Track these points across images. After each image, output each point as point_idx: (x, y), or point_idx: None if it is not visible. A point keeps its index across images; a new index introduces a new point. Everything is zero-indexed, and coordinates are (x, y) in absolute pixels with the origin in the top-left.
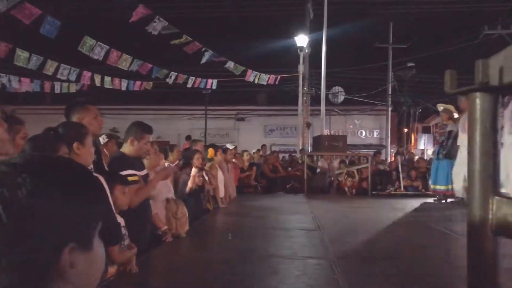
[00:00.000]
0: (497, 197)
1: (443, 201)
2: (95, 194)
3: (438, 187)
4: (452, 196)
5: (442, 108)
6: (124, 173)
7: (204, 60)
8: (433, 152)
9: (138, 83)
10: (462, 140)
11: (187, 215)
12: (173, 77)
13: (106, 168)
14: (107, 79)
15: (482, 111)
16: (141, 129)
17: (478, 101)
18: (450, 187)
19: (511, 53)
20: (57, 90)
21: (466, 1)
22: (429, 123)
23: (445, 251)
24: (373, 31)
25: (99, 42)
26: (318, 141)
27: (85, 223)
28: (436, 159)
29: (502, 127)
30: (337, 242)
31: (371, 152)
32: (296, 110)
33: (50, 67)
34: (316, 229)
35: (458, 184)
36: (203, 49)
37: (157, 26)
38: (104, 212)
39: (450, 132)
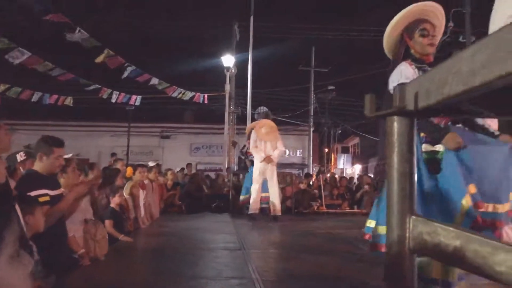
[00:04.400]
0: (413, 216)
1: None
2: None
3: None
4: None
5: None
6: (34, 193)
7: (125, 74)
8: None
9: (54, 96)
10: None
11: (107, 237)
12: (93, 87)
13: (13, 187)
14: (16, 89)
15: (399, 134)
16: (49, 143)
17: (395, 124)
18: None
19: (424, 80)
20: None
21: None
22: (348, 143)
23: (368, 266)
24: (297, 55)
25: (19, 48)
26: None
27: None
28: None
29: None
30: (260, 261)
31: (294, 171)
32: (222, 128)
33: None
34: (240, 248)
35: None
36: (126, 64)
37: (76, 37)
38: (7, 234)
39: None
